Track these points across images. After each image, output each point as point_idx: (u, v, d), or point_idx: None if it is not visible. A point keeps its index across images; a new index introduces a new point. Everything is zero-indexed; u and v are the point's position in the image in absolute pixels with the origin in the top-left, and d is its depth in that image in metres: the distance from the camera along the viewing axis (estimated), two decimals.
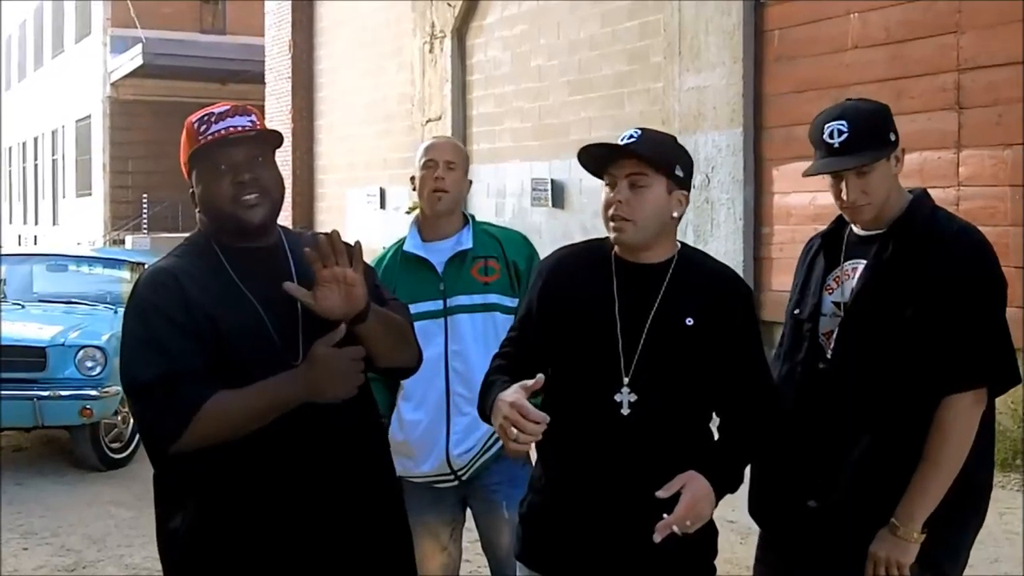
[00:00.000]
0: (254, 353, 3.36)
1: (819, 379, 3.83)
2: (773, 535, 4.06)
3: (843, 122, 3.80)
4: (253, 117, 3.50)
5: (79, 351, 10.36)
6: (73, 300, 12.33)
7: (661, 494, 3.36)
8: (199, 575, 3.48)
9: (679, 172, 3.61)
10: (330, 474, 3.47)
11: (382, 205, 21.67)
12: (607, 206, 3.59)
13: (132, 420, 10.89)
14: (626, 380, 3.50)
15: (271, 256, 3.53)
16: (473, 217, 5.25)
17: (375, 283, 3.82)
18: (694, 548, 3.55)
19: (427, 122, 20.00)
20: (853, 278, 3.84)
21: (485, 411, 3.63)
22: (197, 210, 3.57)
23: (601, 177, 3.64)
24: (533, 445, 3.48)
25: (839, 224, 4.02)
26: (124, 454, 10.98)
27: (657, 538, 3.33)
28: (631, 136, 3.56)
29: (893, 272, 3.73)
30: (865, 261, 3.83)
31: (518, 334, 3.82)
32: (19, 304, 11.81)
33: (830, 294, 3.90)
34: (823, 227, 4.19)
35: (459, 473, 5.01)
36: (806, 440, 3.79)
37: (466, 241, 5.08)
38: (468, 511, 5.26)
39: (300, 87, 25.07)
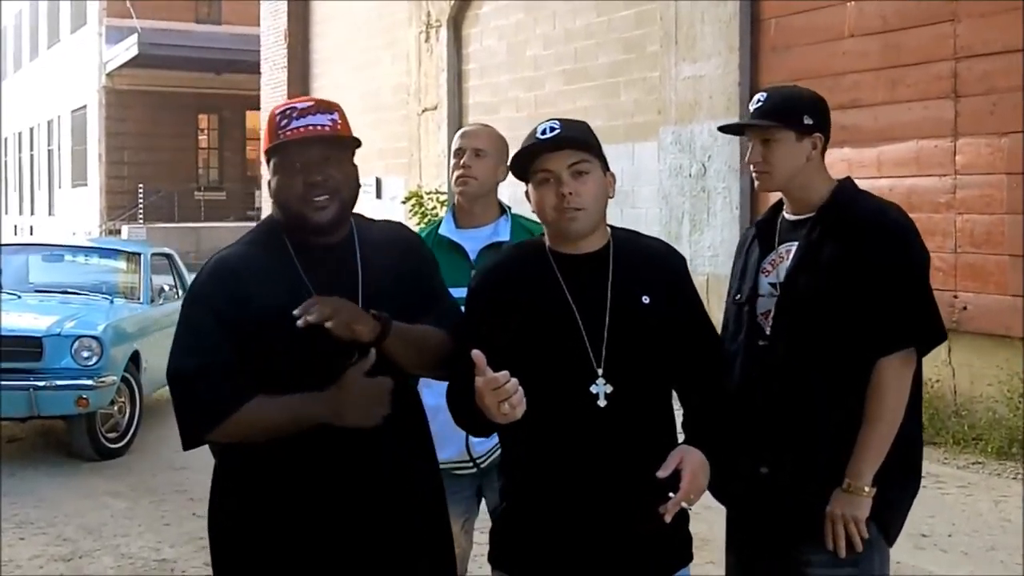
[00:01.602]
0: (307, 357, 3.40)
1: (759, 355, 4.03)
2: (731, 506, 4.23)
3: (764, 94, 4.14)
4: (335, 116, 3.54)
5: (75, 341, 10.33)
6: (69, 290, 12.29)
7: (661, 474, 3.36)
8: (239, 557, 3.59)
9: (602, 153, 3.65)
10: (368, 475, 3.53)
11: (378, 195, 21.65)
12: (559, 198, 3.50)
13: (128, 410, 10.95)
14: (600, 371, 3.48)
15: (339, 252, 3.57)
16: (510, 208, 5.23)
17: (431, 281, 3.89)
18: (674, 532, 3.54)
19: (423, 111, 19.99)
20: (787, 260, 4.05)
21: (476, 421, 3.55)
22: (271, 200, 3.62)
23: (527, 178, 3.60)
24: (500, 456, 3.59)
25: (773, 212, 4.26)
26: (120, 444, 10.95)
27: (668, 518, 3.34)
28: (553, 128, 3.55)
29: (822, 250, 3.95)
30: (796, 243, 4.05)
31: (468, 343, 3.61)
32: (15, 294, 11.76)
33: (767, 276, 4.11)
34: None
35: (478, 461, 5.00)
36: (752, 413, 3.96)
37: (503, 232, 5.05)
38: (481, 504, 5.24)
39: (296, 77, 25.04)
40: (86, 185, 41.84)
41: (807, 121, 4.04)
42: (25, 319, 10.71)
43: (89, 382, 10.21)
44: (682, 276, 3.71)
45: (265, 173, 3.68)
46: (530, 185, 3.60)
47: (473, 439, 4.93)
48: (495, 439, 4.97)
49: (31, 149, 50.85)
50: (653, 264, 3.66)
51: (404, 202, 19.14)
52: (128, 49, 36.43)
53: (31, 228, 47.26)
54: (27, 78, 50.65)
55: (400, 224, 3.97)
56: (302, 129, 3.47)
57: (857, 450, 3.87)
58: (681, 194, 14.08)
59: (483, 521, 5.26)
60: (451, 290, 4.93)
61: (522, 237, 5.04)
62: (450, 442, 4.97)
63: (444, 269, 4.98)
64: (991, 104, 10.43)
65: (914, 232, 4.02)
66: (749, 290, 4.14)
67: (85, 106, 41.93)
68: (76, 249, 14.55)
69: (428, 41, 19.85)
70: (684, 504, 3.39)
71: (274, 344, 3.38)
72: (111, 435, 10.90)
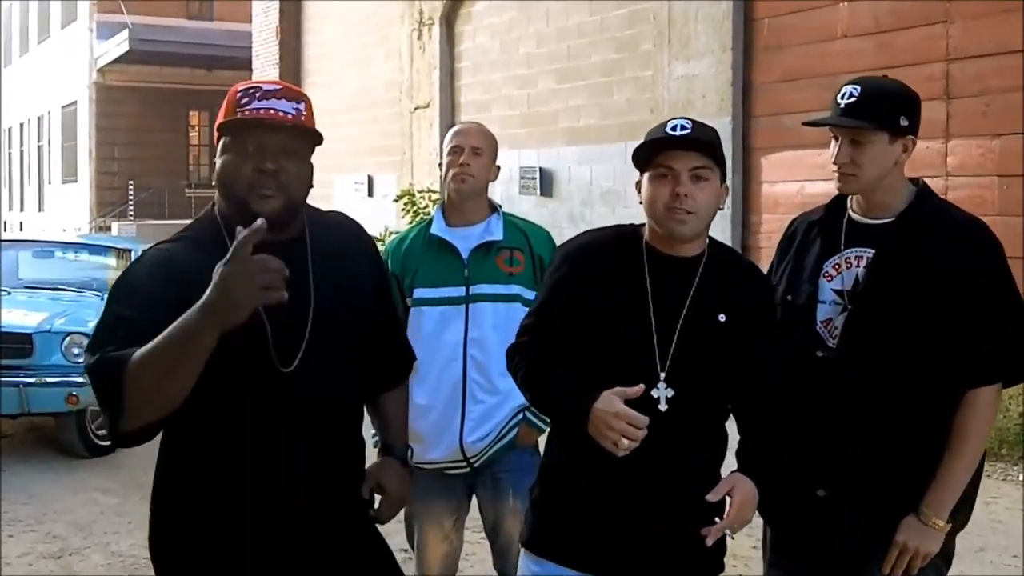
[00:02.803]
0: (246, 358, 3.15)
1: (818, 367, 3.80)
2: (781, 529, 4.02)
3: (857, 87, 3.80)
4: (301, 106, 3.31)
5: (65, 338, 10.33)
6: (59, 287, 12.27)
7: (711, 498, 3.38)
8: (173, 565, 3.42)
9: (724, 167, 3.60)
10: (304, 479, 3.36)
11: (370, 193, 21.64)
12: (672, 197, 3.46)
13: None
14: (662, 375, 3.48)
15: (287, 252, 3.06)
16: (500, 206, 5.21)
17: (382, 284, 3.80)
18: (711, 546, 3.50)
19: (415, 109, 19.98)
20: (857, 267, 3.81)
21: (561, 409, 3.58)
22: (214, 184, 3.34)
23: (645, 169, 3.56)
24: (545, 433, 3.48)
25: (833, 210, 3.97)
26: (110, 442, 10.91)
27: (709, 542, 3.38)
28: (684, 127, 3.48)
29: (905, 263, 3.71)
30: (870, 250, 3.79)
31: (536, 320, 3.73)
32: (5, 290, 11.73)
33: (829, 281, 3.85)
34: None
35: (472, 460, 4.99)
36: (809, 429, 3.76)
37: (496, 231, 5.04)
38: (472, 501, 5.23)
39: (288, 74, 24.98)
40: (76, 181, 41.73)
41: (903, 123, 3.78)
42: (15, 315, 10.70)
43: (79, 379, 10.18)
44: (766, 306, 3.70)
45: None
46: (645, 176, 3.57)
47: (467, 438, 4.93)
48: (488, 439, 4.97)
49: (21, 145, 50.70)
50: (741, 286, 3.63)
51: (396, 200, 19.11)
52: (119, 45, 36.33)
53: (21, 224, 47.15)
54: (17, 74, 50.48)
55: (349, 219, 3.77)
56: (262, 112, 3.22)
57: (940, 482, 3.71)
58: None
59: (474, 520, 5.26)
60: (444, 289, 4.95)
61: (514, 235, 5.05)
62: (441, 441, 4.97)
63: (436, 268, 4.99)
64: (983, 105, 10.45)
65: (1002, 249, 3.80)
66: (807, 295, 3.89)
67: (75, 102, 41.82)
68: (67, 245, 14.54)
69: (421, 38, 19.83)
70: (728, 532, 3.42)
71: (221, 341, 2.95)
72: (101, 432, 10.87)
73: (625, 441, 3.30)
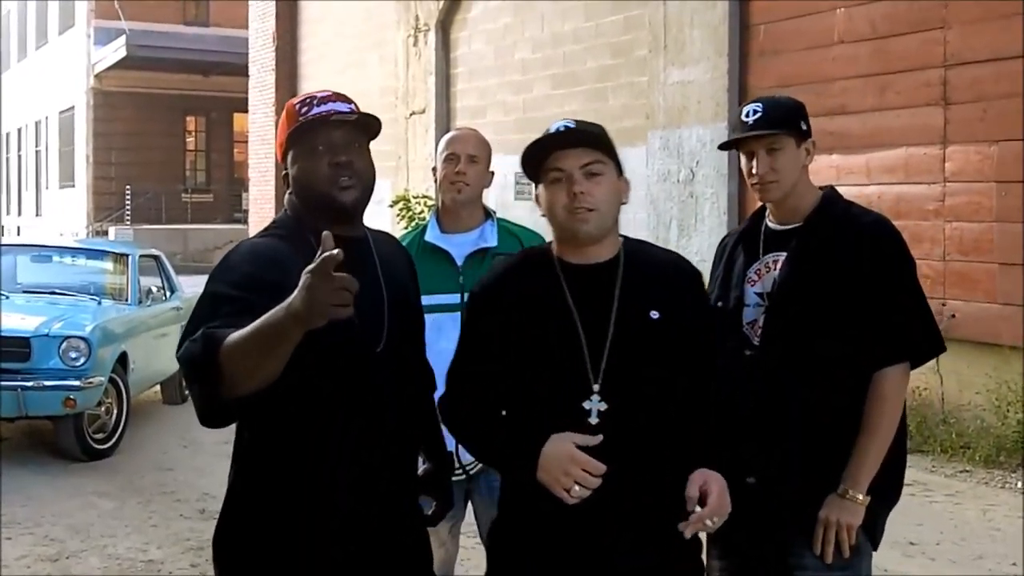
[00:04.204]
0: (335, 340, 3.23)
1: (747, 366, 4.00)
2: None
3: (759, 104, 4.07)
4: (353, 105, 3.52)
5: (63, 342, 10.33)
6: (57, 291, 12.28)
7: (691, 493, 3.29)
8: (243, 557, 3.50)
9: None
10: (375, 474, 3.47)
11: None
12: (570, 198, 3.40)
13: (115, 411, 10.95)
14: (596, 387, 3.36)
15: (359, 247, 3.46)
16: (495, 212, 5.20)
17: (418, 294, 3.91)
18: (679, 554, 3.44)
19: (411, 115, 20.00)
20: (775, 270, 4.05)
21: (507, 459, 3.49)
22: (289, 192, 3.55)
23: (539, 179, 3.50)
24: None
25: (755, 221, 4.24)
26: (107, 445, 10.93)
27: (688, 533, 3.31)
28: (567, 126, 3.45)
29: (813, 261, 3.96)
30: (785, 253, 4.04)
31: (463, 366, 3.66)
32: (3, 295, 11.74)
33: (752, 286, 4.10)
34: None
35: (467, 467, 4.98)
36: (737, 423, 3.86)
37: (490, 238, 5.03)
38: (468, 507, 5.23)
39: (284, 79, 25.02)
40: (73, 186, 41.77)
41: (803, 126, 4.05)
42: (13, 319, 10.70)
43: (76, 383, 10.21)
44: (696, 290, 3.60)
45: (255, 178, 3.52)
46: (541, 186, 3.50)
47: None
48: None
49: (19, 150, 50.76)
50: (665, 277, 3.54)
51: (391, 205, 19.11)
52: (116, 50, 36.39)
53: (18, 229, 47.16)
54: (15, 79, 50.50)
55: (388, 233, 3.94)
56: (324, 113, 3.45)
57: (855, 459, 3.91)
58: (669, 199, 14.10)
59: (469, 525, 5.27)
60: (439, 296, 4.94)
61: (508, 241, 5.03)
62: None
63: (431, 275, 4.96)
64: (981, 111, 10.46)
65: (904, 242, 4.06)
66: (735, 299, 4.12)
67: (73, 107, 41.86)
68: (64, 250, 14.51)
69: (416, 44, 19.86)
70: (708, 523, 3.30)
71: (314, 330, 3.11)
72: (98, 436, 10.89)
73: (577, 488, 3.23)
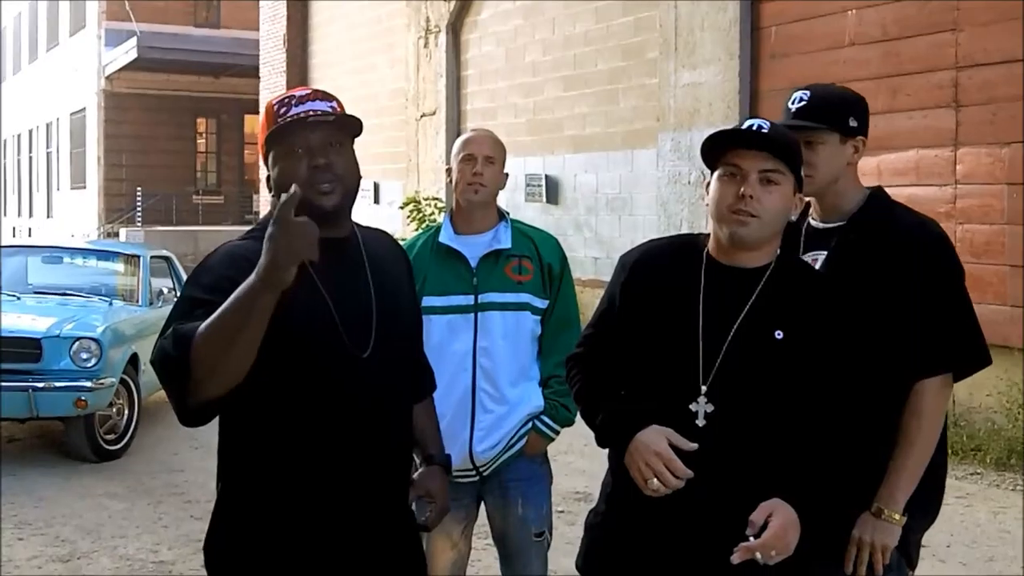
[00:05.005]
0: (320, 344, 3.28)
1: None
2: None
3: (807, 92, 3.92)
4: (334, 103, 3.47)
5: (74, 343, 10.34)
6: (68, 292, 12.31)
7: (754, 519, 3.17)
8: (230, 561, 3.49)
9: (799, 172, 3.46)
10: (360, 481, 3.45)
11: (376, 200, 21.66)
12: (736, 199, 3.31)
13: (126, 412, 10.97)
14: (704, 389, 3.32)
15: (345, 247, 3.44)
16: (508, 213, 5.19)
17: (413, 293, 3.88)
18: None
19: (421, 117, 20.01)
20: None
21: (604, 432, 3.47)
22: (272, 194, 3.43)
23: (714, 167, 3.42)
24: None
25: (800, 217, 4.03)
26: (118, 446, 10.95)
27: (735, 559, 3.16)
28: (760, 127, 3.35)
29: (854, 263, 3.78)
30: (825, 252, 3.89)
31: (595, 331, 3.65)
32: (14, 296, 11.77)
33: None
34: None
35: (481, 469, 4.97)
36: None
37: (504, 239, 5.00)
38: (480, 508, 5.22)
39: (294, 81, 25.01)
40: (84, 188, 41.83)
41: (852, 123, 3.89)
42: (24, 320, 10.72)
43: (87, 384, 10.23)
44: (836, 325, 3.41)
45: (263, 172, 3.49)
46: (714, 176, 3.41)
47: (477, 448, 4.93)
48: (497, 448, 4.96)
49: (30, 151, 50.82)
50: (809, 302, 3.42)
51: (402, 207, 19.14)
52: (127, 52, 36.44)
53: (29, 230, 47.24)
54: (26, 81, 50.63)
55: (383, 231, 3.88)
56: (302, 114, 3.38)
57: (891, 475, 3.73)
58: (680, 201, 14.10)
59: (480, 526, 5.27)
60: (452, 297, 4.93)
61: (522, 243, 5.02)
62: (451, 451, 4.96)
63: (445, 277, 4.96)
64: (991, 114, 10.45)
65: (953, 248, 3.88)
66: None
67: (84, 109, 41.93)
68: (75, 251, 14.52)
69: (427, 46, 19.87)
70: (758, 556, 3.14)
71: (298, 334, 3.24)
72: (109, 437, 10.91)
73: (655, 482, 3.21)
